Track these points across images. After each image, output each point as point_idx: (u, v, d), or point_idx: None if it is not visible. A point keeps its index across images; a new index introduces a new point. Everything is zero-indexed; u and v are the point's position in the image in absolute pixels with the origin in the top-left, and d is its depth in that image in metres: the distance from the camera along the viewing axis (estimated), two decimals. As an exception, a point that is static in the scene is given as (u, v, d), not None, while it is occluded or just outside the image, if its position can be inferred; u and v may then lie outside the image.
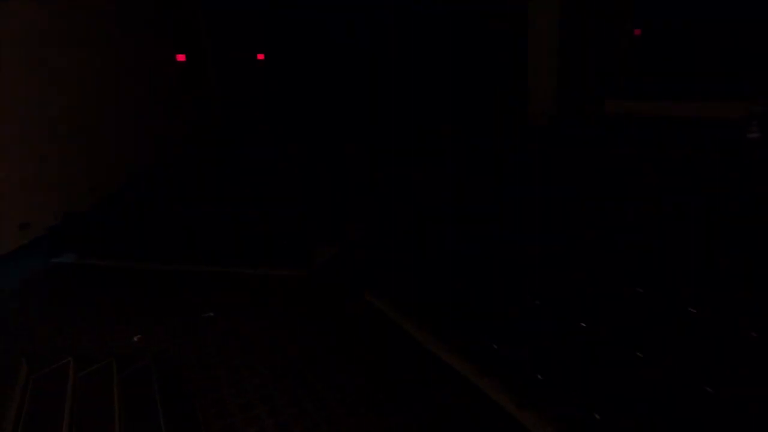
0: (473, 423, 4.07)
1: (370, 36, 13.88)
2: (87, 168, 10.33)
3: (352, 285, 6.58)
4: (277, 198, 8.81)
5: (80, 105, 10.22)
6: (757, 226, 4.68)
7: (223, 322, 6.08)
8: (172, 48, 12.62)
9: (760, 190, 5.38)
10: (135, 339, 5.89)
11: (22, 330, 6.15)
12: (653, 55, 9.59)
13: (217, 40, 13.47)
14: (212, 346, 5.54)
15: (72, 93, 10.05)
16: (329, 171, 10.21)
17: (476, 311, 4.81)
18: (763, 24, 7.88)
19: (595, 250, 5.16)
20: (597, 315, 4.15)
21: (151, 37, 12.16)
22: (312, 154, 11.17)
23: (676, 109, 8.34)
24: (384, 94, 13.78)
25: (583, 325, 4.07)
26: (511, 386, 4.11)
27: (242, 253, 7.51)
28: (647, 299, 4.15)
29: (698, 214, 5.19)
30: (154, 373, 4.69)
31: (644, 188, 6.25)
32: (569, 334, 4.09)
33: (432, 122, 12.39)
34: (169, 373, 4.92)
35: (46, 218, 8.99)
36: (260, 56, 14.87)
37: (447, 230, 6.40)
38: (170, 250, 7.91)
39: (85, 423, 3.75)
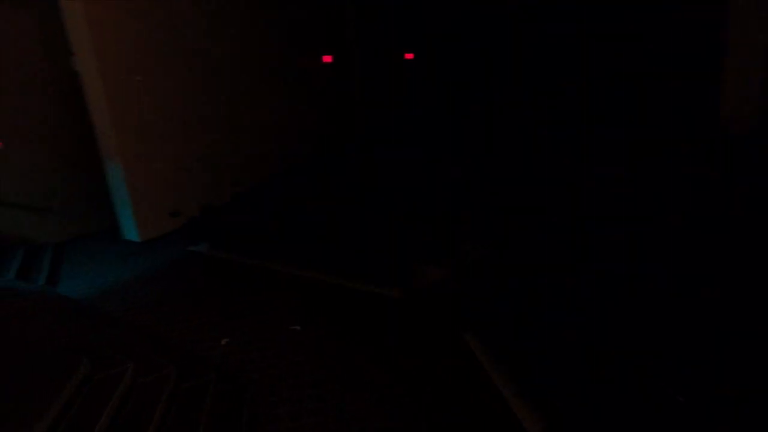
0: None
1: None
2: (232, 163, 11.01)
3: (450, 319, 5.53)
4: (400, 206, 8.16)
5: (229, 104, 10.92)
6: None
7: (302, 337, 5.60)
8: (320, 48, 12.89)
9: None
10: (223, 342, 5.76)
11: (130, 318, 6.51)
12: None
13: (365, 40, 13.40)
14: (287, 366, 5.07)
15: (224, 92, 10.78)
16: (467, 179, 9.22)
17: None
18: None
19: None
20: None
21: (300, 36, 12.54)
22: (455, 161, 10.30)
23: None
24: (551, 98, 12.19)
25: None
26: None
27: (341, 260, 6.99)
28: None
29: None
30: (210, 391, 4.33)
31: None
32: None
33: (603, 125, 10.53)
34: (230, 394, 4.53)
35: (192, 209, 9.76)
36: (408, 56, 14.47)
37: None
38: (281, 251, 7.82)
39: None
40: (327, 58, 12.66)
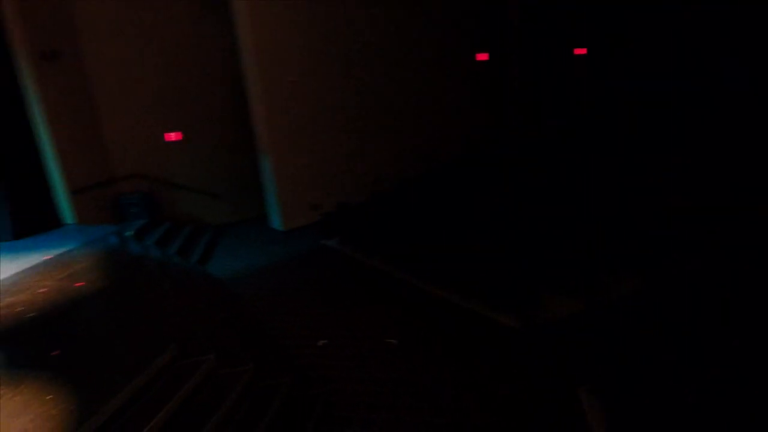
0: None
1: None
2: (375, 163, 11.06)
3: (569, 366, 4.45)
4: (541, 223, 7.12)
5: (377, 104, 10.95)
6: None
7: (397, 352, 5.10)
8: (474, 45, 12.18)
9: None
10: (319, 344, 5.62)
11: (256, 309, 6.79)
12: None
13: (526, 36, 12.25)
14: (371, 382, 4.65)
15: (373, 92, 10.86)
16: (624, 196, 7.70)
17: None
18: None
19: None
20: None
21: (454, 33, 11.96)
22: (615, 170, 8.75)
23: None
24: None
25: None
26: None
27: (459, 276, 6.28)
28: None
29: None
30: (282, 392, 4.15)
31: None
32: None
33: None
34: (303, 400, 4.29)
35: (331, 205, 10.06)
36: (580, 51, 12.82)
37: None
38: (403, 257, 7.43)
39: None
40: (482, 56, 11.91)
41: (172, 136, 10.04)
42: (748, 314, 4.34)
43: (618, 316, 5.24)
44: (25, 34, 7.78)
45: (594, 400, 3.83)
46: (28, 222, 8.00)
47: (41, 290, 5.66)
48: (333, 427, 4.09)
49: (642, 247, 6.08)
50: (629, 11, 12.00)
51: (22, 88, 8.01)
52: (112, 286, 5.87)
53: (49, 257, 6.83)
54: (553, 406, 4.05)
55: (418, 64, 11.45)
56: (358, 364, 5.00)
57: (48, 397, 3.66)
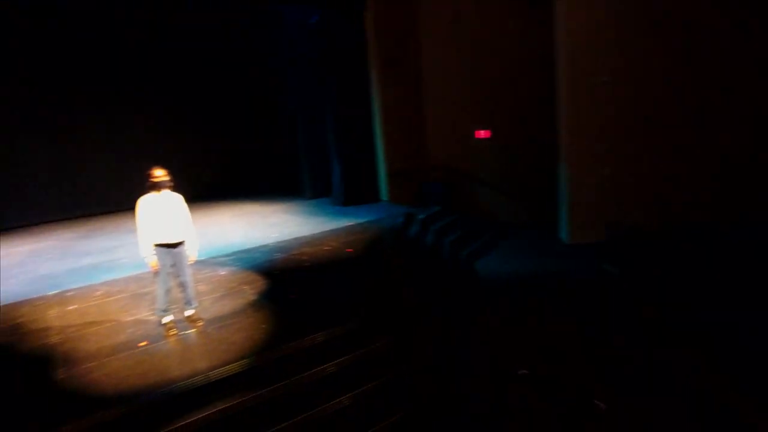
0: None
1: None
2: (698, 183, 8.54)
3: None
4: None
5: (697, 113, 8.33)
6: None
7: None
8: None
9: None
10: (519, 372, 5.01)
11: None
12: None
13: None
14: None
15: (698, 98, 8.33)
16: None
17: None
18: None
19: None
20: None
21: None
22: None
23: None
24: None
25: None
26: None
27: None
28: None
29: None
30: None
31: None
32: None
33: None
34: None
35: (630, 224, 8.44)
36: None
37: None
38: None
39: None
40: None
41: (482, 134, 10.55)
42: None
43: None
44: (377, 45, 9.74)
45: None
46: (355, 194, 10.17)
47: (326, 248, 7.20)
48: None
49: None
50: None
51: (369, 88, 10.11)
52: (370, 257, 6.87)
53: (351, 224, 8.53)
54: None
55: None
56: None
57: (262, 326, 4.75)
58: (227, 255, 6.98)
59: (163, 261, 4.60)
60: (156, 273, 4.64)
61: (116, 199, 10.40)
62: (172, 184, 4.67)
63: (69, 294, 5.70)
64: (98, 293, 5.71)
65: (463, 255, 8.75)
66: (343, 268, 6.46)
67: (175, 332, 4.66)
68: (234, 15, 10.75)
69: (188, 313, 4.88)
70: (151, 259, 4.59)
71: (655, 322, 5.75)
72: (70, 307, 5.32)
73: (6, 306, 5.41)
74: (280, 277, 6.05)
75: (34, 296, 5.65)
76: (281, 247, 7.35)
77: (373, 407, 4.12)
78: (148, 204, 4.56)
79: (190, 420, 3.60)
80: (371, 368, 4.40)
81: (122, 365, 4.13)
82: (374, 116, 10.21)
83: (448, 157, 10.59)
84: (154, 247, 4.57)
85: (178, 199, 4.73)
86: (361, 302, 5.31)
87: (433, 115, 10.53)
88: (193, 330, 4.75)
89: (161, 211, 4.56)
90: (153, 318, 4.87)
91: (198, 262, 6.52)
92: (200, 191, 11.35)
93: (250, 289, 5.68)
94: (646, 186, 8.67)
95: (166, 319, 4.71)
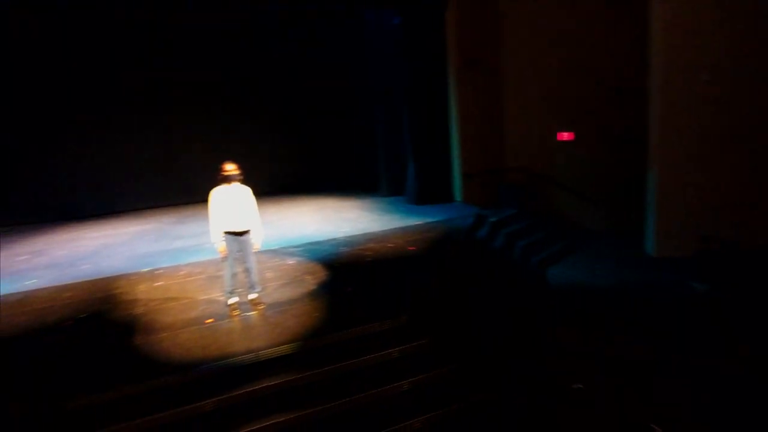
0: None
1: None
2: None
3: None
4: None
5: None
6: None
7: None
8: None
9: None
10: (573, 386, 4.79)
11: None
12: None
13: None
14: None
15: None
16: None
17: None
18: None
19: None
20: None
21: None
22: None
23: None
24: None
25: None
26: None
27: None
28: None
29: None
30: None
31: None
32: None
33: None
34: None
35: (728, 237, 7.58)
36: None
37: None
38: None
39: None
40: None
41: (565, 136, 10.06)
42: None
43: None
44: (457, 46, 9.68)
45: None
46: (428, 194, 10.19)
47: (389, 245, 7.34)
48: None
49: None
50: None
51: (447, 89, 10.07)
52: (431, 257, 6.88)
53: (419, 223, 8.59)
54: None
55: None
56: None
57: (315, 314, 5.01)
58: (297, 246, 7.41)
59: (231, 247, 5.03)
60: (224, 258, 5.08)
61: (210, 189, 11.44)
62: (241, 177, 5.09)
63: (158, 272, 6.43)
64: (182, 273, 6.37)
65: (535, 261, 8.43)
66: (402, 265, 6.55)
67: (237, 313, 5.09)
68: (319, 19, 11.33)
69: (251, 296, 5.28)
70: (220, 245, 5.04)
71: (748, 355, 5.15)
72: (157, 284, 6.01)
73: (107, 278, 6.25)
74: (340, 270, 6.30)
75: (130, 272, 6.47)
76: (348, 241, 7.63)
77: (395, 403, 4.21)
78: (219, 195, 5.02)
79: (238, 392, 3.93)
80: (410, 365, 4.46)
81: (190, 338, 4.60)
82: (451, 116, 10.16)
83: (527, 159, 10.23)
84: (223, 234, 5.02)
85: (247, 191, 5.14)
86: (410, 300, 5.37)
87: (511, 115, 10.23)
88: (254, 312, 5.14)
89: (230, 202, 4.99)
90: (222, 298, 5.34)
91: (270, 251, 7.04)
92: (284, 185, 12.30)
93: (312, 279, 5.99)
94: (747, 198, 7.72)
95: (231, 300, 5.15)
